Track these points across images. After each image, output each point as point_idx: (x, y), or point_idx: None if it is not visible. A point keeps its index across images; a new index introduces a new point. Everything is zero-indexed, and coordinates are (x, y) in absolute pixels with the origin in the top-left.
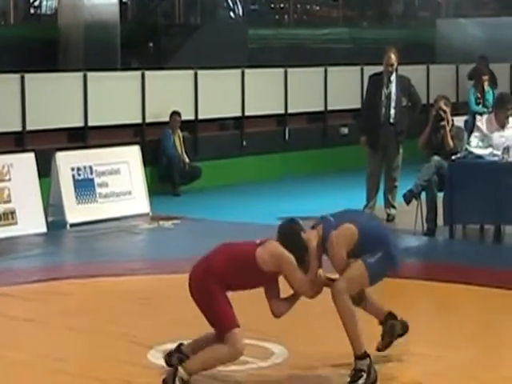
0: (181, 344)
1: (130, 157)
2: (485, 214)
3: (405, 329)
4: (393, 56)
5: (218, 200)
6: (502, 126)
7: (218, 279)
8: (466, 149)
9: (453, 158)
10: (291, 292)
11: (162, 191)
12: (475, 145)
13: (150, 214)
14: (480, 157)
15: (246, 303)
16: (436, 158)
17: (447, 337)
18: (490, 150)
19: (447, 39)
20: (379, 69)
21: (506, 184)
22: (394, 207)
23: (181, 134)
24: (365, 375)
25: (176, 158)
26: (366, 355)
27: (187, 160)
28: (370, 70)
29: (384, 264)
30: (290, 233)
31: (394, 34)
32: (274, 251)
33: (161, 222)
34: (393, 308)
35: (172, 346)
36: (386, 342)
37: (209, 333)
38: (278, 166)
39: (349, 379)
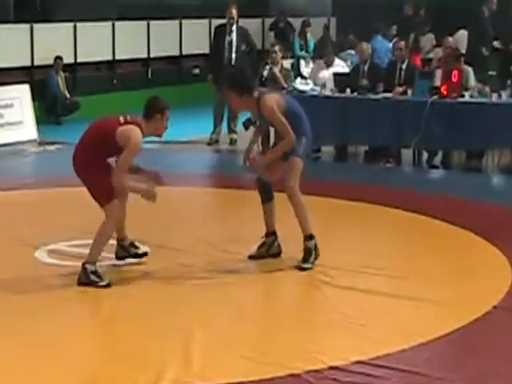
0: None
1: (22, 93)
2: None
3: (279, 253)
4: (234, 10)
5: None
6: (329, 65)
7: (90, 152)
8: (292, 85)
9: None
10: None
11: (48, 121)
12: (299, 82)
13: (38, 139)
14: (303, 91)
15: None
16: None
17: None
18: (310, 85)
19: None
20: (224, 21)
21: (323, 112)
22: (235, 132)
23: (63, 75)
24: (313, 253)
25: (59, 94)
26: (313, 236)
27: (68, 95)
28: (217, 23)
29: (307, 146)
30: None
31: None
32: (128, 133)
33: (46, 146)
34: None
35: (55, 246)
36: (260, 253)
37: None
38: (142, 100)
39: (301, 257)
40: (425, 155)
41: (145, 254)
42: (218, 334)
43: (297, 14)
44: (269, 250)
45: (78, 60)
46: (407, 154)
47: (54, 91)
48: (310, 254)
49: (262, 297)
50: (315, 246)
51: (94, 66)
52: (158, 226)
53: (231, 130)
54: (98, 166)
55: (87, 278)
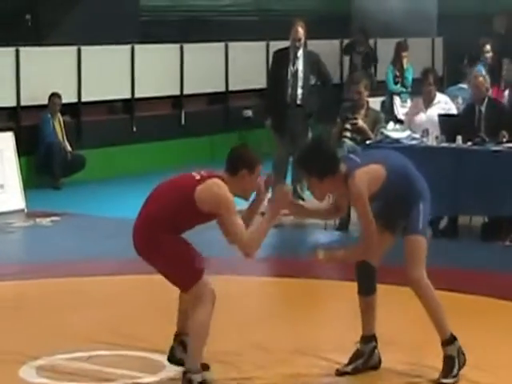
0: (176, 335)
1: (3, 144)
2: None
3: (378, 365)
4: (300, 29)
5: (105, 193)
6: (429, 103)
7: (161, 225)
8: (382, 132)
9: (367, 142)
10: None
11: (40, 184)
12: (392, 127)
13: (26, 210)
14: (397, 141)
15: (138, 311)
16: (349, 142)
17: None
18: (407, 132)
19: (365, 11)
20: (286, 44)
21: (423, 169)
22: (302, 199)
23: (61, 119)
24: (457, 362)
25: (56, 146)
26: (452, 338)
27: (69, 148)
28: (277, 46)
29: (426, 213)
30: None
31: (305, 5)
32: (216, 191)
33: (38, 220)
34: None
35: (47, 360)
36: (355, 368)
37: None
38: (173, 153)
39: (442, 369)
40: None
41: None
42: None
43: (390, 33)
44: (367, 361)
45: (83, 99)
46: None
47: (48, 141)
48: (452, 363)
49: None
50: (459, 351)
51: (106, 106)
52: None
53: (297, 195)
54: (171, 241)
55: None
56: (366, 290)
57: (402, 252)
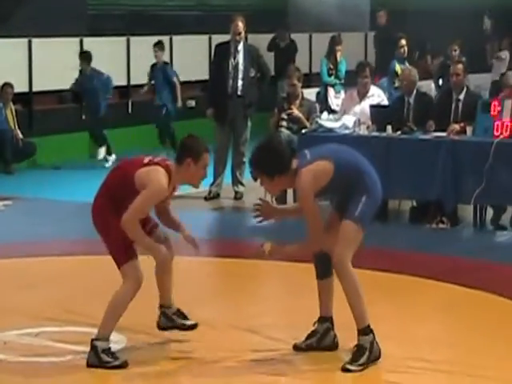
0: (159, 307)
1: None
2: None
3: (334, 346)
4: (240, 24)
5: (55, 178)
6: (363, 96)
7: (109, 199)
8: (317, 122)
9: (303, 131)
10: None
11: None
12: (326, 117)
13: None
14: (331, 130)
15: (87, 290)
16: (285, 131)
17: None
18: (341, 122)
19: (300, 6)
20: (228, 38)
21: None
22: (242, 184)
23: (13, 108)
24: (367, 353)
25: (8, 134)
26: (369, 330)
27: (20, 135)
28: (219, 40)
29: (369, 207)
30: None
31: (245, 1)
32: (150, 177)
33: None
34: None
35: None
36: (309, 344)
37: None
38: (121, 140)
39: (350, 356)
40: (489, 213)
41: (194, 327)
42: None
43: (324, 28)
44: (321, 340)
45: (34, 88)
46: (466, 211)
47: (0, 129)
48: (361, 353)
49: None
50: (372, 343)
51: (56, 96)
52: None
53: (236, 181)
54: (115, 216)
55: (98, 359)
56: (322, 274)
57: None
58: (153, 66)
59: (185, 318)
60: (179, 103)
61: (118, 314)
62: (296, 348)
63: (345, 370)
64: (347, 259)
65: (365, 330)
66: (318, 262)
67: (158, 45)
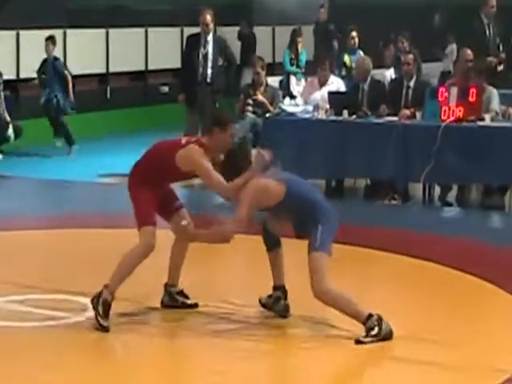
0: (165, 285)
1: None
2: (296, 169)
3: (285, 314)
4: (208, 17)
5: (39, 158)
6: (323, 83)
7: (142, 177)
8: (280, 107)
9: (267, 115)
10: None
11: None
12: (288, 103)
13: None
14: (292, 114)
15: (69, 261)
16: (251, 115)
17: None
18: (301, 107)
19: (264, 2)
20: (198, 30)
21: (314, 139)
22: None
23: (2, 94)
24: (376, 328)
25: None
26: (369, 316)
27: (8, 119)
28: (190, 31)
29: (327, 233)
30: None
31: None
32: (191, 156)
33: None
34: None
35: None
36: (267, 302)
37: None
38: (100, 123)
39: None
40: (437, 190)
41: (195, 306)
42: None
43: (287, 21)
44: (273, 306)
45: (21, 76)
46: (416, 189)
47: None
48: (370, 329)
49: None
50: (379, 321)
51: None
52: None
53: None
54: (147, 186)
55: (97, 304)
56: (271, 246)
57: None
58: (44, 61)
59: (186, 297)
60: (71, 97)
61: (125, 273)
62: (260, 302)
63: (358, 342)
64: (325, 285)
65: (367, 319)
66: (265, 235)
67: (50, 39)
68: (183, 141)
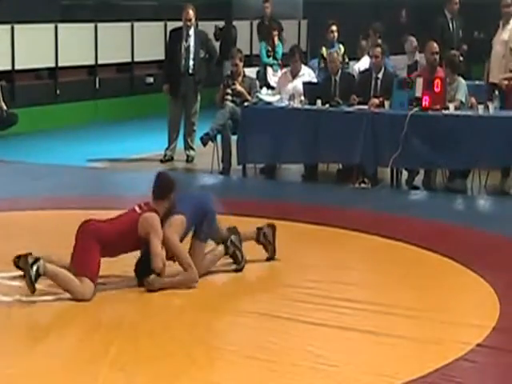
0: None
1: None
2: (272, 154)
3: (273, 229)
4: (191, 12)
5: (34, 144)
6: (295, 75)
7: (101, 241)
8: (257, 96)
9: (245, 104)
10: None
11: None
12: (265, 93)
13: None
14: (269, 103)
15: (58, 240)
16: (230, 104)
17: None
18: (277, 97)
19: None
20: (180, 24)
21: (290, 127)
22: (192, 149)
23: None
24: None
25: None
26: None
27: (5, 107)
28: (173, 25)
29: (208, 225)
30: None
31: None
32: (147, 221)
33: None
34: None
35: None
36: (270, 248)
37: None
38: (89, 112)
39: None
40: (404, 175)
41: None
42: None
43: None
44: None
45: (16, 67)
46: (384, 173)
47: None
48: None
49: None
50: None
51: (34, 73)
52: None
53: (188, 146)
54: (96, 250)
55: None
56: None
57: None
58: None
59: None
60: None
61: (58, 280)
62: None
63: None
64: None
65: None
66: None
67: None
68: (137, 209)
